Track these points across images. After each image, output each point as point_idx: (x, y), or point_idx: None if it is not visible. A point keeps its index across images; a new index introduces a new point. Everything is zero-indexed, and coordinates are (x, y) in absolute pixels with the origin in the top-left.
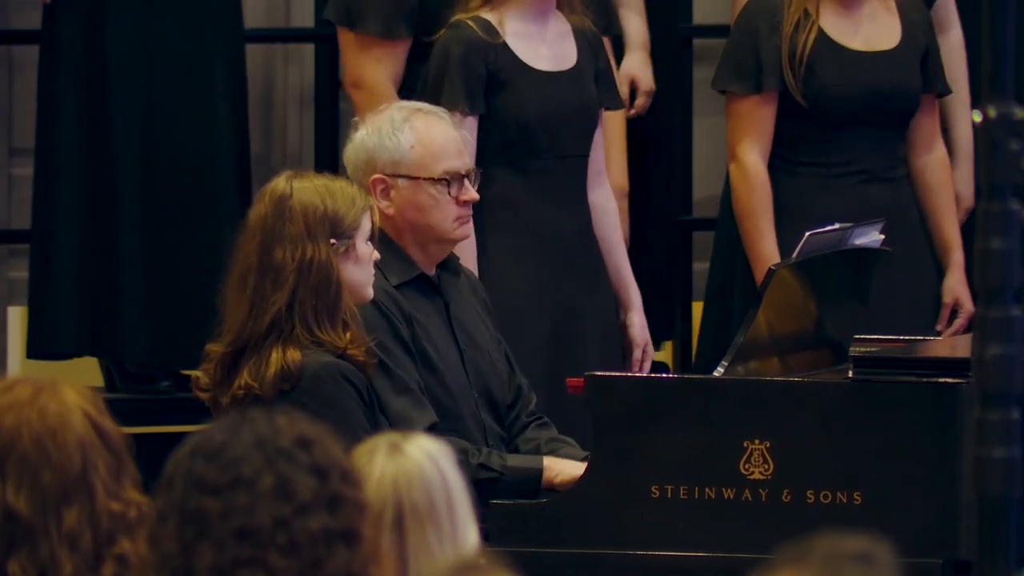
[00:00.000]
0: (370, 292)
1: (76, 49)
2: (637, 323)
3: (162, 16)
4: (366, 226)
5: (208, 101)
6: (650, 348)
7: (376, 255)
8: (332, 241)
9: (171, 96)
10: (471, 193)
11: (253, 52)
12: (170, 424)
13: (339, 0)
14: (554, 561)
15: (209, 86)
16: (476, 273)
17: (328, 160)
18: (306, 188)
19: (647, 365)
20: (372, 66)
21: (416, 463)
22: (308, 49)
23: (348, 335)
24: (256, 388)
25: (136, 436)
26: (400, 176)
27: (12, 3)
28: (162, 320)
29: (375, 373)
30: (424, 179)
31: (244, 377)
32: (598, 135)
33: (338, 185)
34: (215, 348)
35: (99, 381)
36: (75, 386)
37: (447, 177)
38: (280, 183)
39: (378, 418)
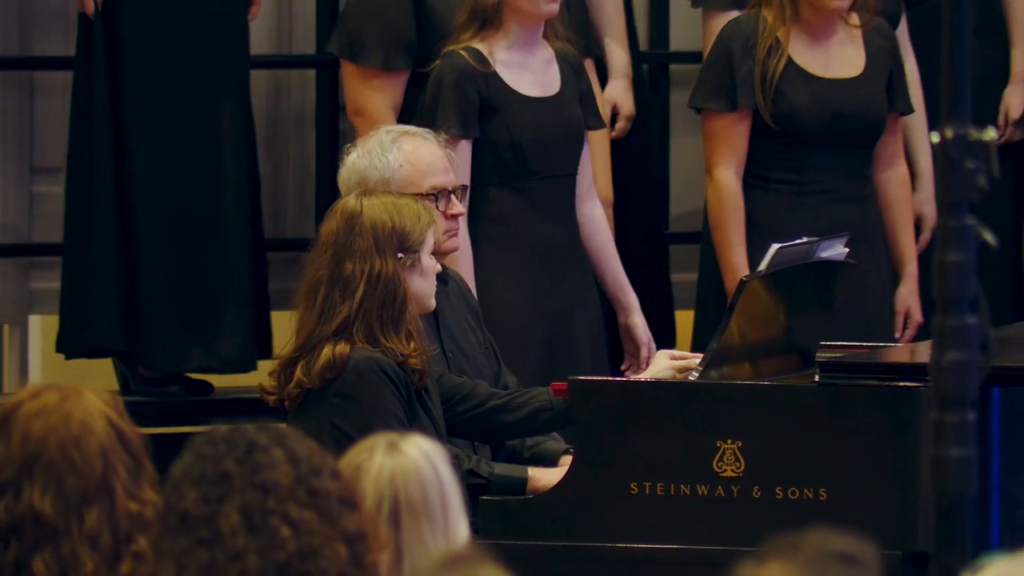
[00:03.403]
0: (432, 302)
1: (100, 74)
2: (639, 324)
3: (178, 46)
4: (430, 240)
5: (217, 125)
6: (653, 346)
7: (438, 267)
8: (399, 255)
9: (185, 122)
10: (458, 207)
11: (259, 77)
12: (180, 425)
13: (342, 35)
14: (539, 553)
15: (218, 111)
16: (473, 285)
17: (329, 178)
18: (375, 205)
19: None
20: (373, 95)
21: (413, 460)
22: (310, 75)
23: (412, 345)
24: (306, 382)
25: (148, 437)
26: (390, 193)
27: (35, 33)
28: (179, 329)
29: None
30: (413, 195)
31: (298, 374)
32: (585, 153)
33: (404, 202)
34: (282, 354)
35: (114, 385)
36: (98, 391)
37: (434, 193)
38: (350, 201)
39: (418, 413)
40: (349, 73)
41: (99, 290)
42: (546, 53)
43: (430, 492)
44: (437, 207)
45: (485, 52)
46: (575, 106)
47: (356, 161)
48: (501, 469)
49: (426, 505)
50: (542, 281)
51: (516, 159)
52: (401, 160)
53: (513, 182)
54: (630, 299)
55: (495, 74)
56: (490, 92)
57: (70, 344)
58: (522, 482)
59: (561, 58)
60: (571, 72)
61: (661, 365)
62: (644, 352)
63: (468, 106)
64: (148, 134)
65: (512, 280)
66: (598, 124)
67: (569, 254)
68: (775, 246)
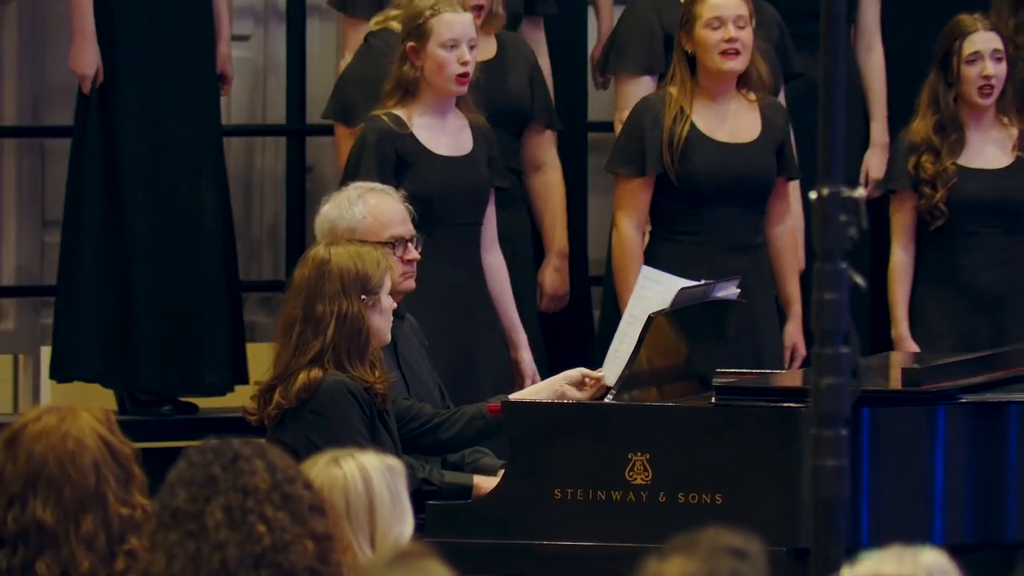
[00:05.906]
0: (388, 336)
1: (97, 143)
2: (526, 359)
3: (163, 120)
4: (388, 283)
5: (198, 181)
6: (538, 378)
7: (394, 304)
8: (363, 297)
9: (170, 183)
10: (413, 253)
11: (237, 144)
12: (170, 440)
13: (336, 104)
14: (477, 550)
15: (198, 174)
16: None
17: (298, 229)
18: (341, 253)
19: None
20: None
21: (344, 473)
22: (281, 141)
23: (376, 372)
24: (284, 403)
25: (141, 451)
26: (356, 240)
27: (45, 105)
28: (167, 357)
29: None
30: (374, 243)
31: (276, 398)
32: (490, 209)
33: (366, 250)
34: (261, 382)
35: (113, 405)
36: (92, 410)
37: (392, 241)
38: (320, 250)
39: (379, 431)
40: (342, 134)
41: (83, 328)
42: (459, 120)
43: (353, 501)
44: (395, 253)
45: (404, 117)
46: (483, 166)
47: (328, 212)
48: (451, 477)
49: (348, 510)
50: (446, 318)
51: (427, 209)
52: (365, 212)
53: (424, 229)
54: (520, 338)
55: (411, 135)
56: (406, 150)
57: (60, 372)
58: (468, 488)
59: (474, 126)
60: (481, 137)
61: (570, 379)
62: (528, 384)
63: (386, 163)
64: (138, 193)
65: (419, 317)
66: (503, 183)
67: (471, 294)
68: (646, 269)
